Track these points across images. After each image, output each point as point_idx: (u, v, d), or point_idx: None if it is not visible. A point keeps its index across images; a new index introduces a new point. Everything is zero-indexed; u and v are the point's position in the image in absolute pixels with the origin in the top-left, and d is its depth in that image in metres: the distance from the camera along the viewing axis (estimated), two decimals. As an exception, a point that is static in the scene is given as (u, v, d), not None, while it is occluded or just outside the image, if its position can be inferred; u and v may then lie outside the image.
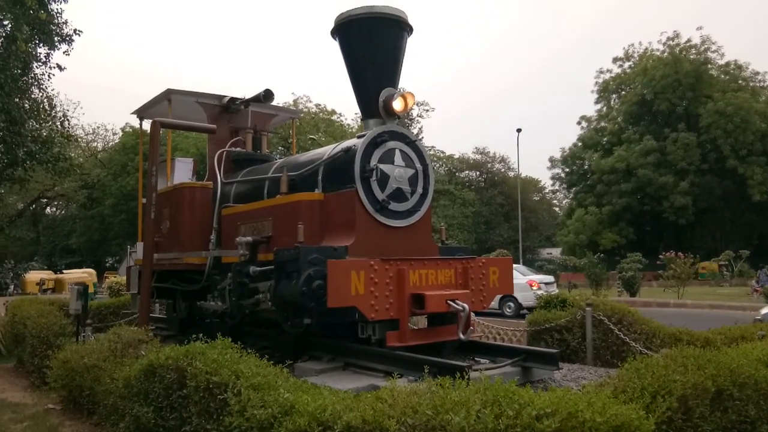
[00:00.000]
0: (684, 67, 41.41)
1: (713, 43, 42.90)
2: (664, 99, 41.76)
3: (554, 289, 17.69)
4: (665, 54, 43.39)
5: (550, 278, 19.51)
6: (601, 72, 47.44)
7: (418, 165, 6.75)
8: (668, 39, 43.75)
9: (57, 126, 17.65)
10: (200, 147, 32.33)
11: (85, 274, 30.15)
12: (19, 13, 13.30)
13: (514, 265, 10.15)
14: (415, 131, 43.11)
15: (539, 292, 16.19)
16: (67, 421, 6.15)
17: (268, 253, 6.53)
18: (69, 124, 18.85)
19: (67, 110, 18.83)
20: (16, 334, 9.51)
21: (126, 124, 47.67)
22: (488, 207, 52.32)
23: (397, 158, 6.59)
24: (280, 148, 32.13)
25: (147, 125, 9.56)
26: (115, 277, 24.19)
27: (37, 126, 16.42)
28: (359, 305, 5.53)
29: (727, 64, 43.08)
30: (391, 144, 6.57)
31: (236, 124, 9.20)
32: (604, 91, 47.41)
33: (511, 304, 17.02)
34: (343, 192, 6.36)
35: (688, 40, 43.08)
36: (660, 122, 43.70)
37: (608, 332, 7.52)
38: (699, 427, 3.70)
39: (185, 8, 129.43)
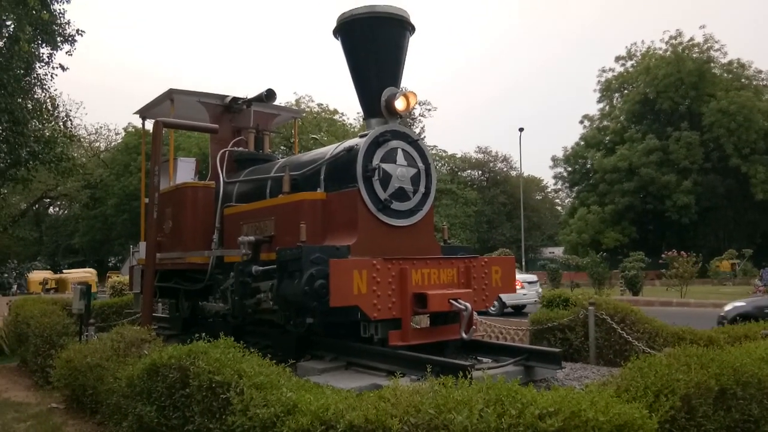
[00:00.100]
0: (687, 65, 41.35)
1: (716, 42, 42.87)
2: (666, 98, 41.70)
3: (537, 288, 17.71)
4: (668, 53, 43.33)
5: (533, 277, 19.51)
6: (604, 71, 47.46)
7: (420, 164, 6.75)
8: (671, 38, 43.72)
9: (60, 126, 17.71)
10: (203, 147, 32.38)
11: (87, 273, 30.22)
12: (22, 14, 13.33)
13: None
14: (417, 130, 43.09)
15: (522, 292, 16.22)
16: (70, 420, 6.17)
17: (271, 253, 6.54)
18: (72, 124, 18.92)
19: (70, 110, 18.94)
20: (19, 333, 9.53)
21: (128, 124, 47.83)
22: (490, 206, 52.32)
23: (400, 157, 6.59)
24: (282, 147, 32.18)
25: (149, 125, 9.58)
26: (117, 276, 24.22)
27: (40, 126, 16.47)
28: (361, 304, 5.53)
29: (730, 62, 43.00)
30: (394, 143, 6.56)
31: (238, 124, 9.21)
32: (607, 90, 47.37)
33: (495, 302, 17.05)
34: (346, 191, 6.36)
35: (691, 39, 43.02)
36: (663, 121, 43.63)
37: (611, 331, 7.51)
38: (702, 426, 3.69)
39: (186, 8, 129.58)
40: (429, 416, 2.95)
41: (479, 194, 51.32)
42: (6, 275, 28.46)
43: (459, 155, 56.19)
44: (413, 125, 44.14)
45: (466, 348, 6.49)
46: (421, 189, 6.73)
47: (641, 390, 3.61)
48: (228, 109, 9.15)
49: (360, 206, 6.23)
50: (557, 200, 62.48)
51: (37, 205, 46.03)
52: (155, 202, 7.82)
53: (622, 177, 41.50)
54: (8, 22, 14.04)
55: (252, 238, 6.82)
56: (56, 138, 16.81)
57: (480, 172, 58.09)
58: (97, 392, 5.83)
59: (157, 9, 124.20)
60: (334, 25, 6.87)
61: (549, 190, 61.23)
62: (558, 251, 48.46)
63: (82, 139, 39.32)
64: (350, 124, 43.97)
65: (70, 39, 15.76)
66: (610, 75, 47.12)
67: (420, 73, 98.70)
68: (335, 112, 44.25)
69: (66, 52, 15.92)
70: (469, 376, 4.31)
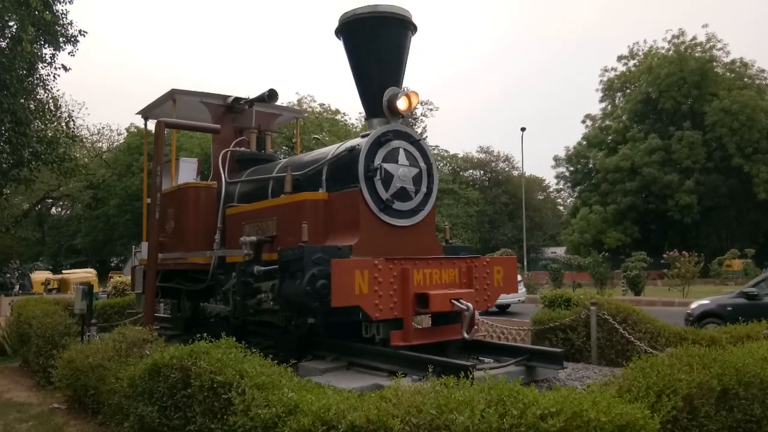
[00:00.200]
0: (689, 65, 41.27)
1: (719, 41, 42.81)
2: (669, 97, 41.64)
3: (521, 288, 17.69)
4: (670, 52, 43.26)
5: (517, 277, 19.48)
6: (606, 70, 47.41)
7: (422, 164, 6.75)
8: (673, 37, 43.66)
9: (62, 126, 17.73)
10: (205, 147, 32.38)
11: (87, 274, 30.26)
12: (25, 14, 13.35)
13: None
14: (419, 130, 43.09)
15: None
16: (72, 420, 6.18)
17: (273, 253, 6.54)
18: (74, 124, 18.93)
19: (72, 111, 18.90)
20: (21, 333, 9.55)
21: (131, 124, 47.81)
22: (492, 206, 52.29)
23: (401, 157, 6.59)
24: (284, 147, 32.19)
25: (151, 125, 9.59)
26: (119, 276, 24.28)
27: (43, 126, 16.50)
28: (363, 304, 5.53)
29: (733, 61, 42.92)
30: (395, 143, 6.56)
31: (240, 124, 9.22)
32: (609, 89, 47.32)
33: None
34: (348, 191, 6.36)
35: (694, 38, 42.96)
36: (665, 120, 43.57)
37: (613, 331, 7.50)
38: (704, 427, 3.68)
39: (188, 8, 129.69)
40: (430, 416, 2.95)
41: (481, 194, 51.28)
42: (8, 275, 28.50)
43: (461, 155, 56.21)
44: (415, 125, 44.14)
45: (467, 348, 6.48)
46: (423, 189, 6.72)
47: (643, 390, 3.61)
48: (230, 109, 9.16)
49: (362, 206, 6.23)
50: (559, 200, 62.47)
51: (39, 206, 46.05)
52: (157, 202, 7.83)
53: (625, 177, 41.45)
54: (11, 23, 14.07)
55: (254, 238, 6.83)
56: (59, 138, 16.85)
57: (482, 171, 58.06)
58: (98, 392, 5.84)
59: (158, 9, 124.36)
60: (336, 24, 6.87)
61: (551, 189, 61.22)
62: (560, 251, 48.41)
63: (84, 140, 39.35)
64: (352, 124, 43.97)
65: (72, 39, 15.78)
66: (612, 74, 47.12)
67: (422, 72, 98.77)
68: (337, 112, 44.25)
69: (68, 53, 15.97)
70: (470, 377, 4.30)
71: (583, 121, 48.59)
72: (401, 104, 6.49)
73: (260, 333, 7.38)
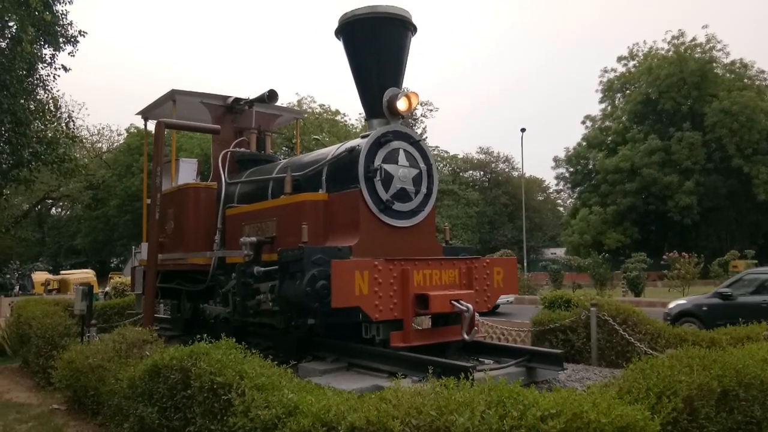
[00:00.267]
0: (689, 65, 41.28)
1: (718, 42, 42.79)
2: (669, 98, 41.64)
3: None
4: (670, 53, 43.26)
5: None
6: (606, 71, 47.42)
7: (422, 165, 6.75)
8: (673, 38, 43.66)
9: (62, 127, 17.72)
10: (205, 147, 32.38)
11: (86, 274, 30.26)
12: (25, 15, 13.36)
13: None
14: (419, 131, 43.10)
15: None
16: (72, 421, 6.17)
17: (273, 254, 6.54)
18: (74, 125, 18.92)
19: (72, 111, 18.88)
20: (21, 334, 9.54)
21: (131, 124, 47.85)
22: (492, 207, 52.32)
23: (401, 158, 6.58)
24: (284, 148, 32.20)
25: (151, 126, 9.59)
26: (119, 277, 24.28)
27: (43, 127, 16.50)
28: (363, 305, 5.53)
29: (733, 62, 42.93)
30: (395, 144, 6.56)
31: (240, 125, 9.22)
32: (609, 90, 47.32)
33: None
34: (347, 192, 6.36)
35: (693, 39, 42.96)
36: (665, 121, 43.58)
37: (613, 332, 7.50)
38: (704, 428, 3.68)
39: (188, 8, 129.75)
40: (430, 418, 2.94)
41: (481, 195, 51.30)
42: (8, 276, 28.49)
43: (461, 156, 56.25)
44: (415, 126, 44.15)
45: (467, 349, 6.48)
46: (423, 190, 6.72)
47: (643, 392, 3.60)
48: (230, 109, 9.16)
49: (362, 207, 6.23)
50: (559, 201, 62.51)
51: (39, 206, 46.07)
52: (157, 202, 7.83)
53: (624, 177, 41.45)
54: (11, 23, 14.07)
55: (254, 238, 6.82)
56: (58, 139, 16.84)
57: (482, 172, 58.09)
58: (98, 393, 5.83)
59: (158, 9, 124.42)
60: (336, 25, 6.87)
61: (551, 190, 61.25)
62: (560, 252, 48.40)
63: (84, 140, 39.34)
64: (352, 125, 43.97)
65: (72, 40, 15.78)
66: (612, 75, 47.12)
67: (422, 73, 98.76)
68: (337, 112, 44.27)
69: (68, 53, 15.97)
70: (470, 378, 4.30)
71: (583, 122, 48.64)
72: (401, 105, 6.49)
73: (260, 334, 7.38)
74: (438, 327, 6.40)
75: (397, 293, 5.76)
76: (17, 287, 27.79)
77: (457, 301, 5.80)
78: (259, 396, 3.67)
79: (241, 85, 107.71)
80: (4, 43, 14.24)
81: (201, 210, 8.19)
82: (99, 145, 48.29)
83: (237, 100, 9.14)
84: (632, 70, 46.04)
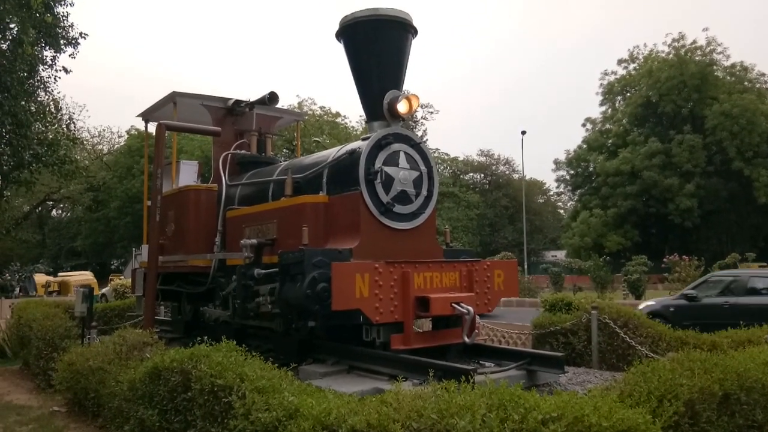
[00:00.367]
0: (689, 68, 41.29)
1: (719, 45, 42.78)
2: (669, 101, 41.66)
3: None
4: (670, 56, 43.28)
5: None
6: (606, 74, 47.42)
7: (422, 167, 6.75)
8: (673, 40, 43.68)
9: (63, 129, 17.76)
10: (205, 149, 32.42)
11: (85, 276, 30.24)
12: (26, 17, 13.38)
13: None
14: (419, 133, 43.10)
15: None
16: (72, 423, 6.16)
17: (273, 256, 6.54)
18: (75, 126, 18.97)
19: (73, 113, 18.95)
20: (21, 336, 9.54)
21: (131, 126, 47.95)
22: (493, 209, 52.32)
23: (402, 161, 6.59)
24: (284, 150, 32.23)
25: (152, 128, 9.60)
26: (119, 279, 24.29)
27: (43, 129, 16.52)
28: (364, 308, 5.52)
29: (733, 65, 42.94)
30: (396, 146, 6.56)
31: (241, 127, 9.23)
32: (609, 92, 47.33)
33: None
34: (348, 194, 6.36)
35: (694, 42, 42.98)
36: (665, 124, 43.59)
37: (614, 335, 7.49)
38: (706, 432, 3.67)
39: (189, 11, 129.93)
40: (431, 421, 2.94)
41: (481, 197, 51.32)
42: (9, 278, 28.49)
43: (461, 158, 56.27)
44: (415, 128, 44.17)
45: (468, 352, 6.47)
46: (424, 192, 6.72)
47: (644, 395, 3.60)
48: (231, 112, 9.17)
49: (362, 209, 6.23)
50: (559, 203, 62.49)
51: (39, 208, 46.10)
52: (158, 204, 7.83)
53: (625, 180, 41.44)
54: (12, 25, 14.10)
55: (254, 241, 6.82)
56: (59, 140, 16.87)
57: (482, 175, 58.11)
58: (99, 396, 5.83)
59: (159, 12, 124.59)
60: (336, 28, 6.88)
61: (551, 193, 61.25)
62: (560, 255, 48.37)
63: (85, 142, 39.37)
64: (352, 127, 44.01)
65: (73, 42, 15.82)
66: (612, 78, 47.11)
67: (422, 75, 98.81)
68: (338, 114, 44.32)
69: (69, 55, 16.00)
70: (471, 381, 4.29)
71: (584, 125, 48.64)
72: (402, 107, 6.49)
73: (261, 336, 7.37)
74: (439, 330, 6.39)
75: (398, 296, 5.76)
76: (17, 289, 27.78)
77: (458, 303, 5.80)
78: (259, 399, 3.66)
79: (242, 87, 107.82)
80: (5, 45, 14.27)
81: (201, 212, 8.19)
82: (100, 146, 48.37)
83: (238, 102, 9.15)
84: (632, 72, 46.05)
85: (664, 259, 26.03)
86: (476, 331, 5.97)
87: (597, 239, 41.28)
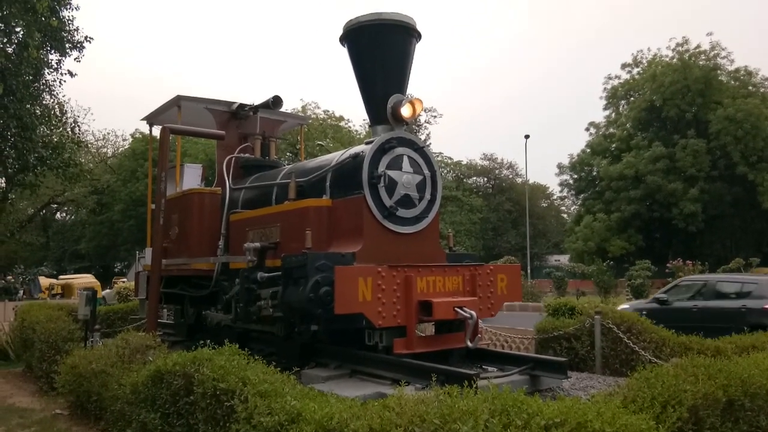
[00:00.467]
0: (693, 73, 41.21)
1: (723, 49, 42.66)
2: (673, 105, 41.58)
3: None
4: (674, 60, 43.22)
5: None
6: (610, 78, 47.35)
7: (425, 171, 6.75)
8: (677, 45, 43.61)
9: (68, 132, 17.84)
10: (209, 153, 32.50)
11: (88, 279, 30.26)
12: (31, 20, 13.45)
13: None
14: (422, 137, 43.10)
15: None
16: (75, 426, 6.17)
17: (276, 259, 6.54)
18: (79, 129, 19.07)
19: (78, 116, 19.07)
20: (24, 338, 9.56)
21: (136, 130, 48.07)
22: (496, 213, 52.26)
23: (405, 164, 6.59)
24: (288, 154, 32.28)
25: (157, 131, 9.62)
26: (123, 282, 24.31)
27: (48, 132, 16.60)
28: (366, 312, 5.52)
29: (737, 70, 42.84)
30: (399, 150, 6.57)
31: (245, 131, 9.25)
32: (613, 97, 47.28)
33: None
34: (351, 198, 6.36)
35: (698, 46, 42.91)
36: (669, 128, 43.48)
37: (617, 341, 7.46)
38: (710, 438, 3.66)
39: (193, 15, 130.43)
40: (434, 426, 2.93)
41: (484, 201, 51.28)
42: (12, 280, 28.54)
43: (464, 162, 56.27)
44: (419, 132, 44.20)
45: (471, 356, 6.46)
46: (427, 196, 6.72)
47: (648, 401, 3.58)
48: (235, 115, 9.19)
49: (365, 213, 6.23)
50: (563, 208, 62.36)
51: (44, 211, 46.19)
52: (162, 208, 7.85)
53: (629, 184, 41.34)
54: (17, 29, 14.17)
55: (257, 244, 6.83)
56: (64, 144, 16.94)
57: (485, 179, 58.08)
58: (101, 399, 5.83)
59: (164, 16, 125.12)
60: (340, 32, 6.90)
61: (555, 197, 61.15)
62: (564, 259, 48.32)
63: (89, 145, 39.50)
64: (356, 131, 44.08)
65: (78, 45, 15.90)
66: (616, 82, 47.05)
67: (426, 79, 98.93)
68: (341, 118, 44.39)
69: (74, 59, 16.08)
70: (474, 386, 4.28)
71: (587, 129, 48.54)
72: (405, 111, 6.50)
73: (263, 340, 7.37)
74: (441, 334, 6.38)
75: (401, 300, 5.75)
76: (21, 291, 27.81)
77: (461, 308, 5.79)
78: (261, 403, 3.66)
79: (246, 90, 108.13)
80: (10, 49, 14.34)
81: (205, 215, 8.20)
82: (104, 150, 48.43)
83: (242, 106, 9.17)
84: (636, 77, 45.99)
85: (668, 264, 25.99)
86: (479, 335, 5.96)
87: (600, 243, 41.17)
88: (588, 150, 47.21)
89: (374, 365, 5.92)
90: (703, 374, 3.97)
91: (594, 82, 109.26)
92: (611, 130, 46.93)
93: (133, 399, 5.01)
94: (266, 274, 6.48)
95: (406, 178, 6.55)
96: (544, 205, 61.46)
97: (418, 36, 6.85)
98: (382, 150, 6.44)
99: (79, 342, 8.14)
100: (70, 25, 15.61)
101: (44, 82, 16.05)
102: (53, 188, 33.53)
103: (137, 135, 46.63)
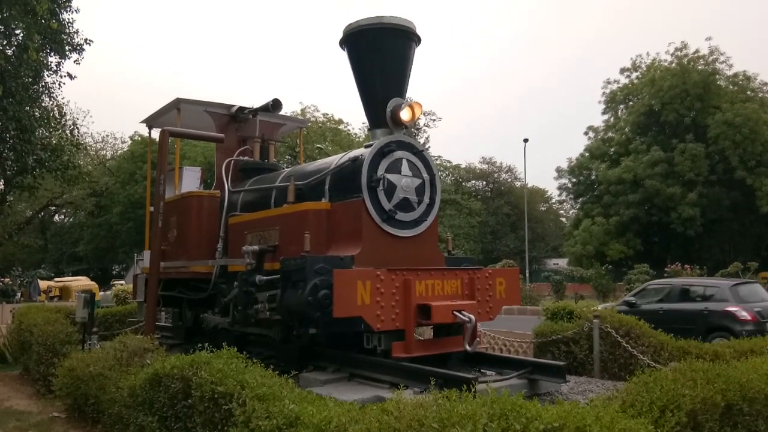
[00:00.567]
0: (692, 77, 41.31)
1: (721, 54, 42.78)
2: (671, 109, 41.66)
3: None
4: (673, 64, 43.32)
5: None
6: (609, 82, 47.44)
7: (425, 175, 6.75)
8: (676, 49, 43.71)
9: (66, 134, 17.84)
10: (208, 156, 32.50)
11: (81, 282, 30.20)
12: (31, 23, 13.46)
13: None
14: (422, 141, 43.18)
15: None
16: (72, 429, 6.16)
17: (275, 262, 6.53)
18: (78, 132, 19.07)
19: (77, 118, 19.08)
20: (22, 341, 9.54)
21: (135, 132, 48.12)
22: (495, 217, 52.31)
23: (404, 168, 6.59)
24: (287, 157, 32.29)
25: (156, 134, 9.63)
26: (121, 284, 24.28)
27: (47, 134, 16.59)
28: (365, 315, 5.51)
29: (736, 74, 42.96)
30: (399, 154, 6.57)
31: (244, 133, 9.25)
32: (612, 101, 47.37)
33: None
34: (350, 201, 6.36)
35: (696, 51, 43.00)
36: (668, 133, 43.57)
37: (616, 345, 7.46)
38: (709, 443, 3.65)
39: (192, 17, 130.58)
40: (432, 430, 2.92)
41: (483, 205, 51.31)
42: (10, 282, 28.49)
43: (463, 166, 56.32)
44: (418, 135, 44.23)
45: (469, 360, 6.45)
46: (426, 199, 6.72)
47: (647, 405, 3.58)
48: (234, 118, 9.19)
49: (364, 216, 6.23)
50: (561, 211, 62.41)
51: (42, 213, 46.10)
52: (160, 210, 7.84)
53: (627, 189, 41.39)
54: (17, 31, 14.18)
55: (256, 247, 6.82)
56: (63, 146, 16.93)
57: (484, 182, 58.14)
58: (99, 402, 5.82)
59: (163, 19, 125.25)
60: (340, 35, 6.91)
61: (553, 201, 61.22)
62: (562, 263, 48.30)
63: (88, 147, 39.52)
64: (355, 134, 44.12)
65: (78, 48, 15.91)
66: (614, 86, 47.12)
67: (425, 83, 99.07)
68: (340, 122, 44.42)
69: (74, 61, 16.07)
70: (472, 389, 4.28)
71: (586, 133, 48.62)
72: (404, 115, 6.50)
73: (261, 343, 7.36)
74: (440, 338, 6.37)
75: (399, 303, 5.75)
76: (19, 293, 27.76)
77: (459, 311, 5.78)
78: (260, 406, 3.65)
79: (246, 93, 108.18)
80: (10, 51, 14.35)
81: (204, 218, 8.20)
82: (103, 152, 48.46)
83: (241, 108, 9.18)
84: (635, 81, 46.09)
85: (666, 268, 25.97)
86: (477, 339, 5.95)
87: (599, 247, 41.19)
88: (587, 154, 47.26)
89: (373, 369, 5.91)
90: (701, 379, 3.97)
91: (592, 86, 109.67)
92: (610, 134, 46.99)
93: (130, 402, 4.99)
94: (265, 277, 6.47)
95: (405, 181, 6.55)
96: (543, 208, 61.52)
97: (418, 40, 6.86)
98: (381, 153, 6.44)
99: (77, 345, 8.13)
100: (70, 28, 15.62)
101: (43, 84, 16.06)
102: (52, 190, 33.49)
103: (136, 137, 46.64)
